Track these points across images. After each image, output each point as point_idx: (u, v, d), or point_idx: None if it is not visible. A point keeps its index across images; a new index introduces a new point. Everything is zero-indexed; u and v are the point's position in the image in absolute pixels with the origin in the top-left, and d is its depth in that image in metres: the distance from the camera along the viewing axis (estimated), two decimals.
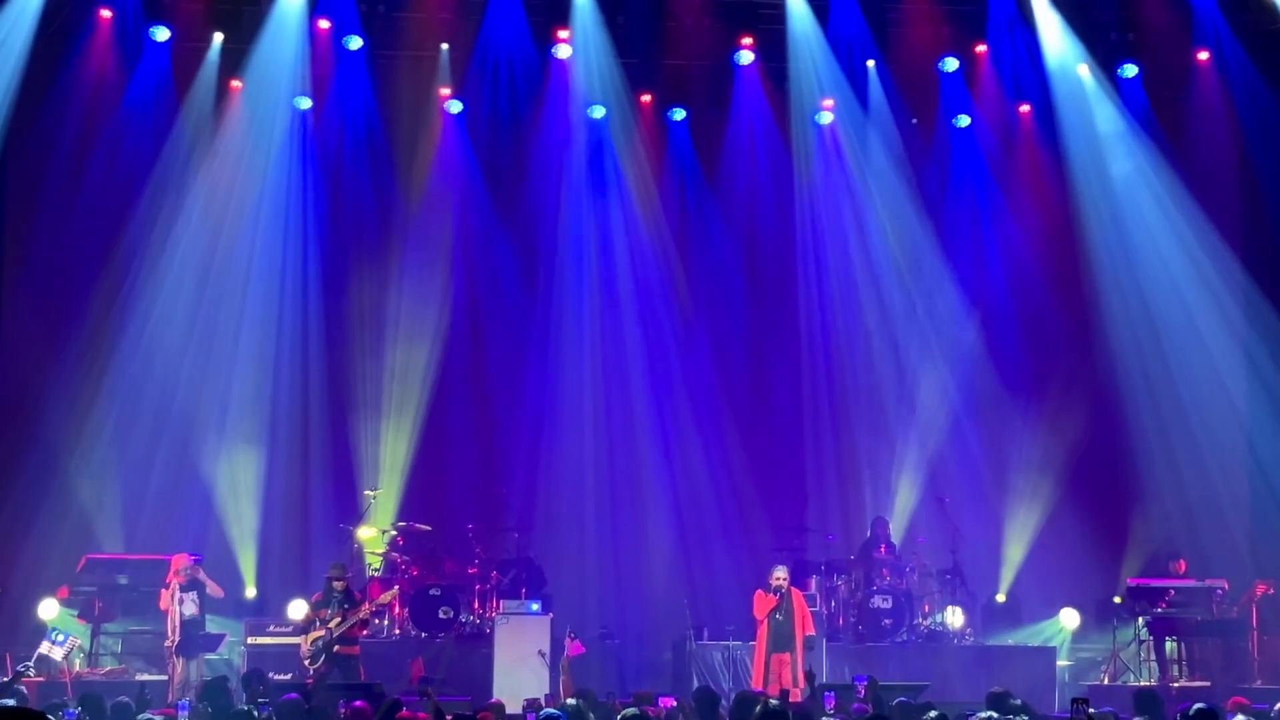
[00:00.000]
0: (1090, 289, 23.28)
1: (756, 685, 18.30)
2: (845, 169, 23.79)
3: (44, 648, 18.71)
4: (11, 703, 14.36)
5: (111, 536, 21.56)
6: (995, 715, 12.29)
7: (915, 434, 23.32)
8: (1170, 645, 20.91)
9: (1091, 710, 11.75)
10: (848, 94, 23.27)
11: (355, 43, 22.35)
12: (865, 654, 20.55)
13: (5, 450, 21.68)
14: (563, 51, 22.70)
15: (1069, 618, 21.70)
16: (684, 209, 24.06)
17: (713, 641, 20.90)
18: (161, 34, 21.83)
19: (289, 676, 18.10)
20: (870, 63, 23.14)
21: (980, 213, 23.77)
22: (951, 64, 22.96)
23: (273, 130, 22.80)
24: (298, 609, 19.81)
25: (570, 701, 14.16)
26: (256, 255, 22.82)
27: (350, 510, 21.95)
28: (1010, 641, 21.69)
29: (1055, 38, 22.70)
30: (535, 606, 20.43)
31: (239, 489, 22.23)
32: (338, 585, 18.45)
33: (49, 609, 20.25)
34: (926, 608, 21.63)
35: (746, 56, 22.95)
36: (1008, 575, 22.74)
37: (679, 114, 23.64)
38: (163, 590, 18.80)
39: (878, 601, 21.16)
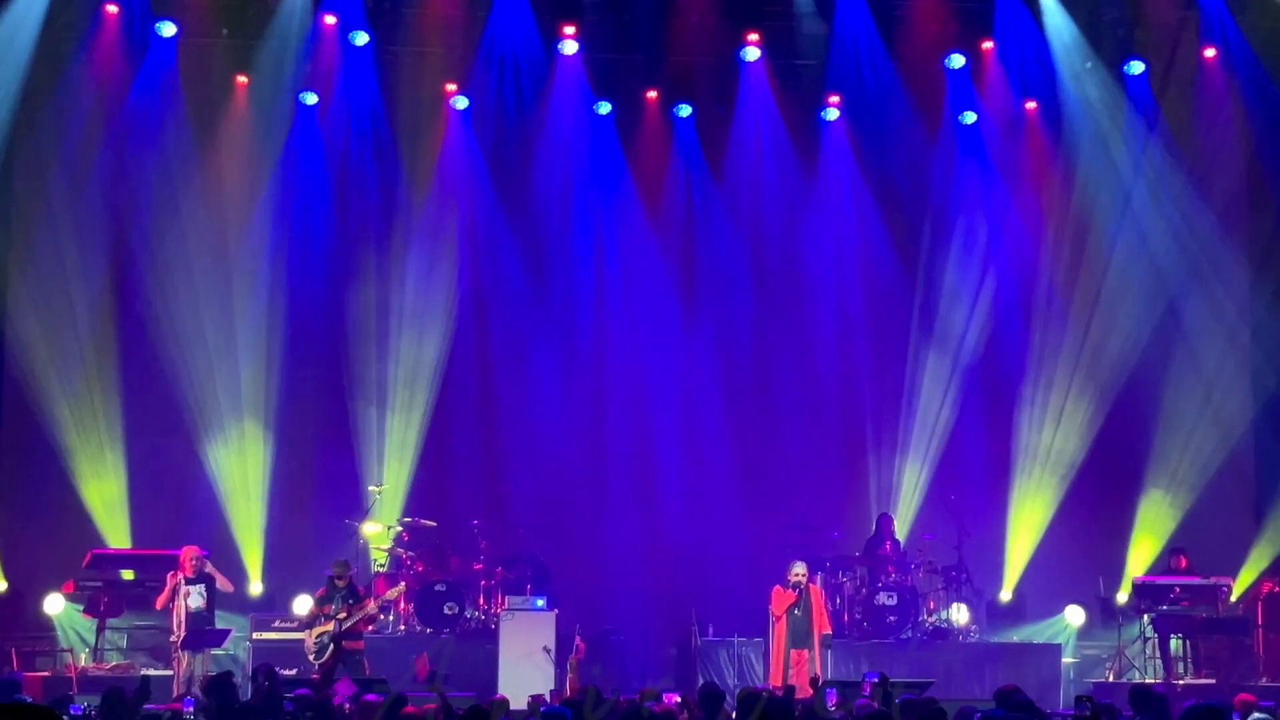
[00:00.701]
0: (1096, 285, 23.26)
1: (775, 682, 18.27)
2: (851, 166, 23.77)
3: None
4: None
5: (117, 532, 21.56)
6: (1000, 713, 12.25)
7: (921, 430, 23.32)
8: (1175, 642, 20.92)
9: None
10: (854, 91, 23.24)
11: (361, 38, 22.33)
12: (870, 651, 20.56)
13: (11, 445, 21.70)
14: (568, 47, 22.68)
15: (1074, 615, 21.70)
16: (689, 205, 24.04)
17: (718, 638, 20.90)
18: (168, 29, 21.81)
19: (295, 672, 18.09)
20: (876, 59, 23.08)
21: (986, 209, 23.74)
22: (958, 61, 22.92)
23: (278, 126, 22.80)
24: (303, 604, 19.82)
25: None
26: (262, 250, 22.82)
27: (356, 506, 21.94)
28: (1015, 638, 21.69)
29: (1062, 35, 22.67)
30: (540, 603, 20.44)
31: (244, 484, 22.23)
32: (340, 583, 18.46)
33: (54, 604, 20.28)
34: (931, 604, 21.64)
35: (752, 53, 22.92)
36: (1013, 572, 22.72)
37: (684, 110, 23.61)
38: (164, 590, 18.75)
39: (883, 598, 21.18)
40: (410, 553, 21.35)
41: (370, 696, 13.45)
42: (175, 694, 17.10)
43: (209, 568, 18.94)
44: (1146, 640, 20.90)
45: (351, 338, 23.10)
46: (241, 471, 22.30)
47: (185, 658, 18.38)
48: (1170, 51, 22.78)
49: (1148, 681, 19.40)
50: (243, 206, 22.72)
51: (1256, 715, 12.97)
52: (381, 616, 20.03)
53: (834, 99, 23.47)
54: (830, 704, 14.68)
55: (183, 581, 18.56)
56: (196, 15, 21.99)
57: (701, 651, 20.61)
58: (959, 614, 21.54)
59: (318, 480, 22.57)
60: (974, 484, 23.03)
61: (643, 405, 23.46)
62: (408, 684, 18.10)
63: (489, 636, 20.29)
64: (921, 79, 23.14)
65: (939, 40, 22.78)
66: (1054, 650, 21.02)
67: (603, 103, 23.29)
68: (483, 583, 21.33)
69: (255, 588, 21.90)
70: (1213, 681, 19.71)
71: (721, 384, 23.67)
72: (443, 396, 23.24)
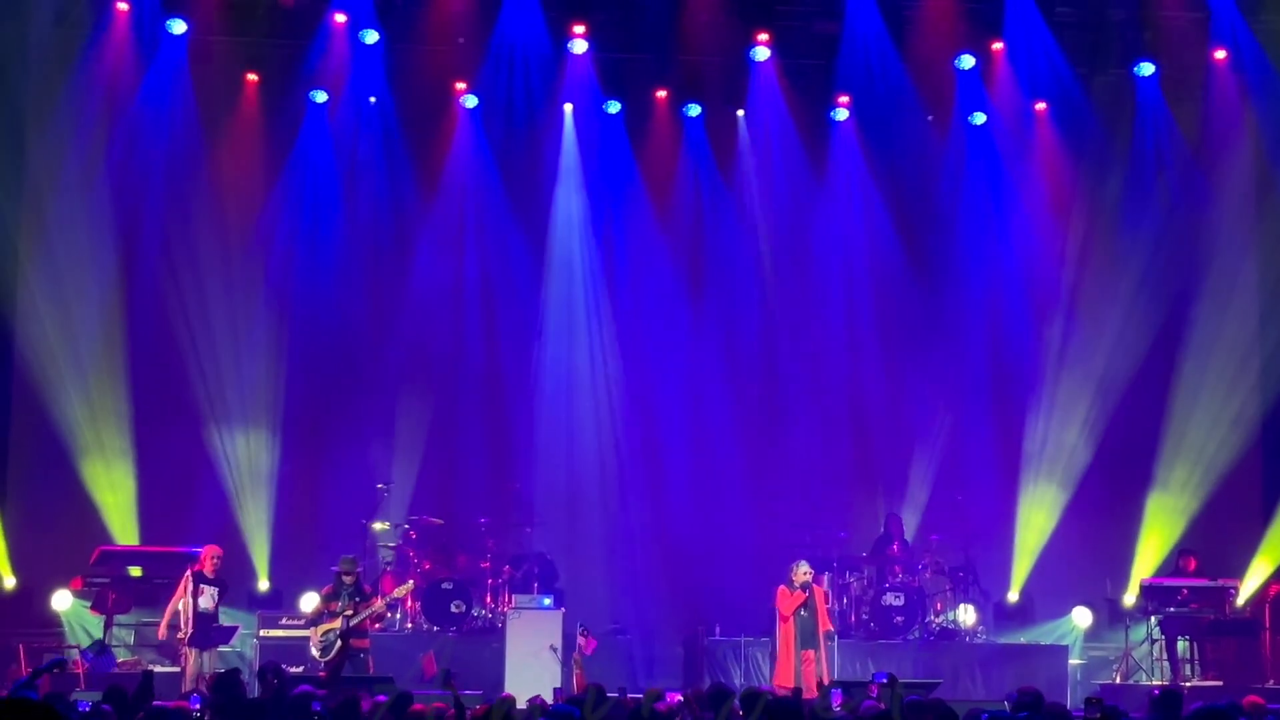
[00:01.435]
0: (1105, 286, 23.24)
1: (784, 682, 18.26)
2: (860, 166, 23.76)
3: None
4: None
5: (125, 528, 21.58)
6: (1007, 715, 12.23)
7: (929, 431, 23.30)
8: (1182, 645, 20.90)
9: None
10: (863, 91, 23.22)
11: (371, 36, 22.34)
12: (877, 651, 20.57)
13: (20, 441, 21.72)
14: (578, 46, 22.68)
15: (1081, 616, 21.69)
16: (698, 205, 24.04)
17: (725, 638, 20.91)
18: (178, 27, 21.82)
19: (301, 669, 18.11)
20: (886, 59, 23.07)
21: (995, 210, 23.72)
22: (968, 61, 22.90)
23: (288, 124, 22.82)
24: (309, 601, 19.83)
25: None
26: (271, 248, 22.86)
27: (364, 503, 21.96)
28: (1022, 640, 21.70)
29: (1072, 36, 22.64)
30: (547, 601, 20.45)
31: (253, 481, 22.25)
32: (347, 580, 18.47)
33: (62, 600, 20.30)
34: (939, 605, 21.64)
35: (762, 53, 22.91)
36: (1020, 573, 22.71)
37: (694, 110, 23.61)
38: (177, 590, 18.75)
39: (890, 599, 21.19)
40: (417, 551, 21.37)
41: (383, 699, 13.44)
42: (183, 691, 17.11)
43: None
44: (1154, 642, 20.87)
45: (359, 335, 23.13)
46: (250, 468, 22.33)
47: (192, 655, 18.38)
48: (1180, 53, 22.73)
49: (1163, 684, 19.35)
50: (252, 203, 22.75)
51: None
52: (389, 614, 20.04)
53: (843, 99, 23.46)
54: (835, 704, 14.66)
55: (194, 578, 18.54)
56: (206, 13, 21.98)
57: (709, 651, 20.62)
58: (966, 615, 21.55)
59: (325, 477, 22.59)
60: (982, 485, 23.00)
61: (651, 404, 23.46)
62: (414, 682, 18.16)
63: (496, 635, 20.31)
64: (931, 79, 23.12)
65: (949, 41, 22.75)
66: (1061, 652, 21.02)
67: (612, 102, 23.29)
68: (490, 581, 21.35)
69: (262, 585, 21.92)
70: (1220, 684, 19.68)
71: (730, 383, 23.67)
72: (450, 394, 23.26)
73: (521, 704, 15.12)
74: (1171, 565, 21.84)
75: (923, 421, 23.46)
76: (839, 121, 23.73)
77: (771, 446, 23.54)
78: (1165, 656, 20.74)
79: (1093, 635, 21.83)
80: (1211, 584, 20.85)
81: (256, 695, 14.29)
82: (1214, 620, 20.66)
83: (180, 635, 18.56)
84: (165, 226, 22.24)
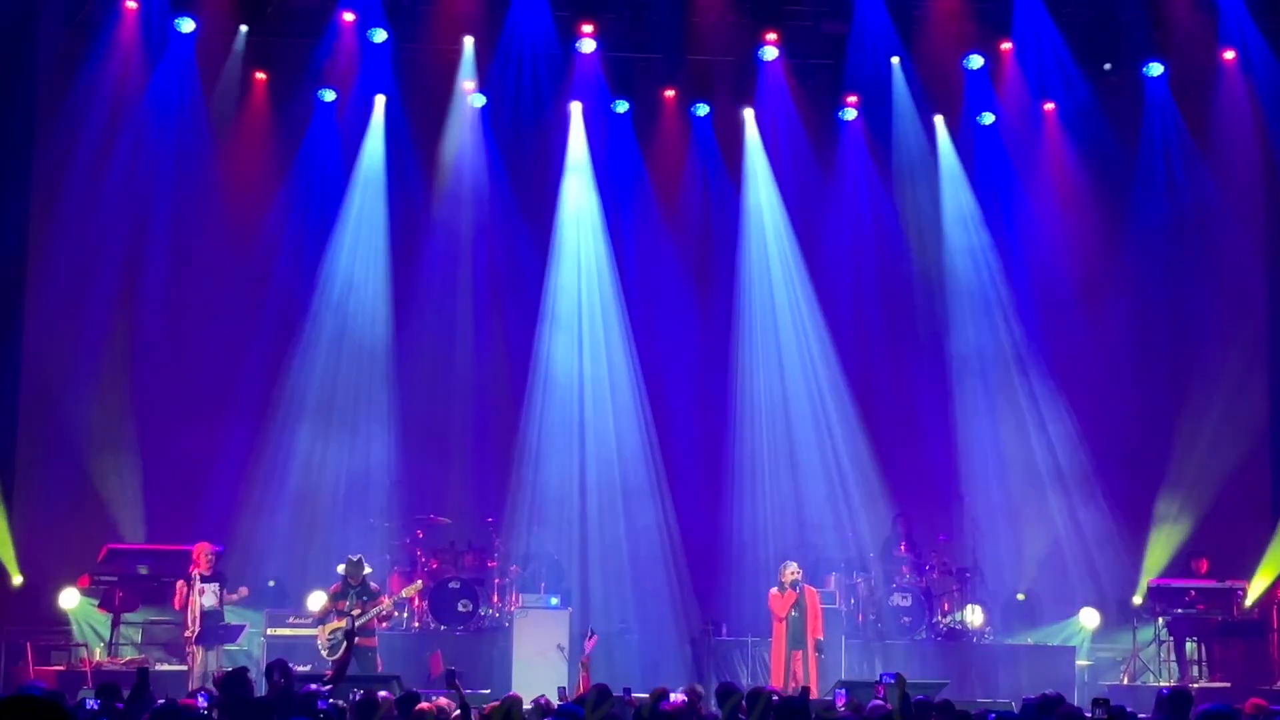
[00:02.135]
0: (1113, 286, 23.23)
1: (777, 684, 18.28)
2: (869, 166, 23.75)
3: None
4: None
5: (132, 526, 21.61)
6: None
7: (937, 431, 23.27)
8: (1190, 646, 20.88)
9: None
10: (872, 91, 23.22)
11: (380, 35, 22.35)
12: (884, 651, 20.56)
13: (28, 439, 21.74)
14: (586, 46, 22.67)
15: (1089, 617, 21.66)
16: (706, 204, 24.03)
17: (731, 638, 20.90)
18: (186, 25, 21.80)
19: (309, 668, 18.12)
20: (895, 59, 23.07)
21: (1004, 210, 23.70)
22: (976, 61, 22.87)
23: (296, 122, 22.84)
24: (316, 600, 19.84)
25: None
26: (279, 246, 22.88)
27: (372, 502, 21.98)
28: (1030, 640, 21.66)
29: (1080, 36, 22.61)
30: (554, 601, 20.47)
31: (261, 479, 22.25)
32: (354, 579, 18.49)
33: (70, 598, 20.32)
34: (946, 606, 21.61)
35: (770, 52, 22.89)
36: (1028, 574, 22.69)
37: (702, 109, 23.60)
38: (179, 584, 18.81)
39: (897, 599, 21.18)
40: (424, 550, 21.37)
41: (384, 695, 13.43)
42: (190, 689, 17.13)
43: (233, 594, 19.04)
44: (1161, 643, 20.85)
45: (367, 333, 23.11)
46: (258, 466, 22.32)
47: (199, 653, 18.42)
48: (1189, 54, 22.69)
49: (1171, 684, 19.32)
50: (259, 202, 22.76)
51: None
52: (395, 613, 20.05)
53: (852, 99, 23.45)
54: (838, 705, 14.66)
55: (197, 578, 18.60)
56: (215, 11, 21.99)
57: (716, 651, 20.61)
58: (973, 615, 21.52)
59: (334, 476, 22.58)
60: (990, 485, 22.97)
61: (658, 404, 23.43)
62: (422, 681, 18.16)
63: (503, 634, 20.31)
64: (940, 79, 23.11)
65: (958, 41, 22.74)
66: (1068, 653, 20.99)
67: (620, 101, 23.29)
68: (497, 580, 21.36)
69: (269, 583, 21.91)
70: (1228, 685, 19.66)
71: (737, 382, 23.64)
72: (458, 393, 23.26)
73: (528, 704, 15.15)
74: (1181, 567, 21.81)
75: (930, 421, 23.42)
76: (847, 121, 23.70)
77: (779, 445, 23.50)
78: (1173, 658, 20.71)
79: (1100, 636, 21.80)
80: (1219, 585, 20.86)
81: (264, 693, 14.27)
82: (1222, 621, 20.65)
83: (187, 634, 18.60)
84: (173, 224, 22.24)
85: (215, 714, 13.37)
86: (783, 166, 23.77)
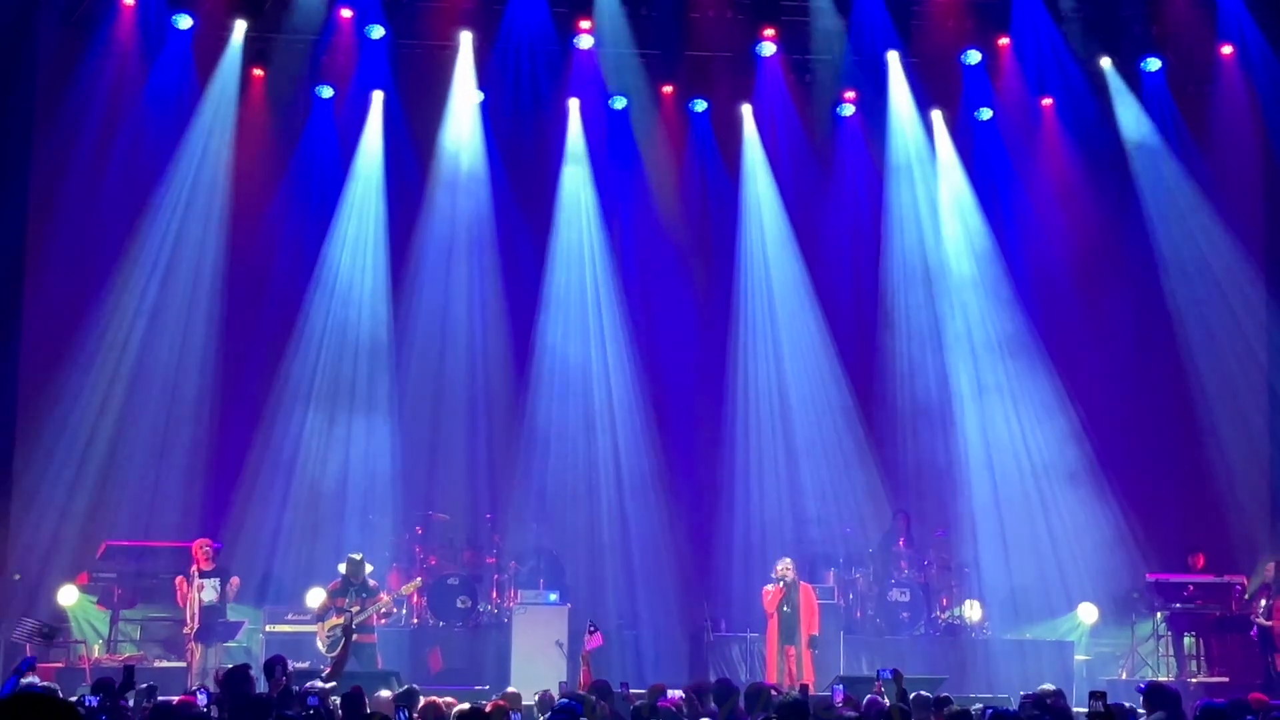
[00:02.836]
0: (1112, 282, 23.23)
1: (770, 679, 18.33)
2: (867, 162, 23.76)
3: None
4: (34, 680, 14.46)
5: (131, 523, 21.59)
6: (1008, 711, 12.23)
7: (937, 426, 23.26)
8: (1189, 641, 20.88)
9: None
10: (870, 86, 23.22)
11: (377, 32, 22.35)
12: (883, 647, 20.56)
13: (27, 434, 21.73)
14: (584, 42, 22.67)
15: (1087, 612, 21.66)
16: (704, 200, 24.04)
17: (730, 634, 20.92)
18: (184, 22, 21.80)
19: (307, 664, 18.13)
20: (892, 55, 23.07)
21: (1002, 205, 23.71)
22: (974, 56, 22.87)
23: (294, 119, 22.84)
24: (315, 597, 19.84)
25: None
26: (277, 242, 22.88)
27: (370, 498, 21.98)
28: (1028, 635, 21.66)
29: (1078, 31, 22.61)
30: (553, 597, 20.50)
31: (260, 475, 22.24)
32: (354, 576, 18.50)
33: (68, 595, 20.32)
34: (945, 601, 21.63)
35: (768, 48, 22.89)
36: (1026, 569, 22.67)
37: (700, 105, 23.60)
38: (179, 580, 18.82)
39: (895, 594, 21.20)
40: (424, 546, 21.38)
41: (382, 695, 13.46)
42: (190, 686, 17.15)
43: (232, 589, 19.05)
44: (1160, 638, 20.86)
45: (365, 329, 23.10)
46: (256, 462, 22.32)
47: (198, 650, 18.43)
48: (1187, 49, 22.70)
49: (1160, 679, 19.33)
50: (258, 199, 22.75)
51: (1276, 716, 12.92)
52: (395, 610, 20.06)
53: (850, 94, 23.45)
54: (837, 701, 14.69)
55: (196, 574, 18.62)
56: (212, 7, 21.98)
57: (714, 647, 20.63)
58: (972, 611, 21.54)
59: (333, 472, 22.58)
60: (988, 480, 22.96)
61: (657, 399, 23.45)
62: (421, 678, 18.18)
63: (502, 630, 20.32)
64: (938, 75, 23.11)
65: (955, 36, 22.74)
66: (1067, 648, 21.00)
67: (618, 97, 23.28)
68: (496, 576, 21.37)
69: (269, 580, 21.91)
70: (1226, 680, 19.67)
71: (736, 378, 23.66)
72: (457, 389, 23.25)
73: (528, 699, 15.18)
74: (1178, 562, 21.81)
75: (929, 415, 23.41)
76: (845, 116, 23.70)
77: (778, 441, 23.52)
78: (1171, 653, 20.73)
79: (1098, 631, 21.80)
80: (1218, 580, 20.85)
81: (264, 690, 14.29)
82: (1220, 616, 20.64)
83: (186, 630, 18.62)
84: (170, 221, 22.21)
85: (214, 711, 13.40)
86: (781, 162, 23.77)
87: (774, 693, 14.44)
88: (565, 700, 13.10)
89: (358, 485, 22.34)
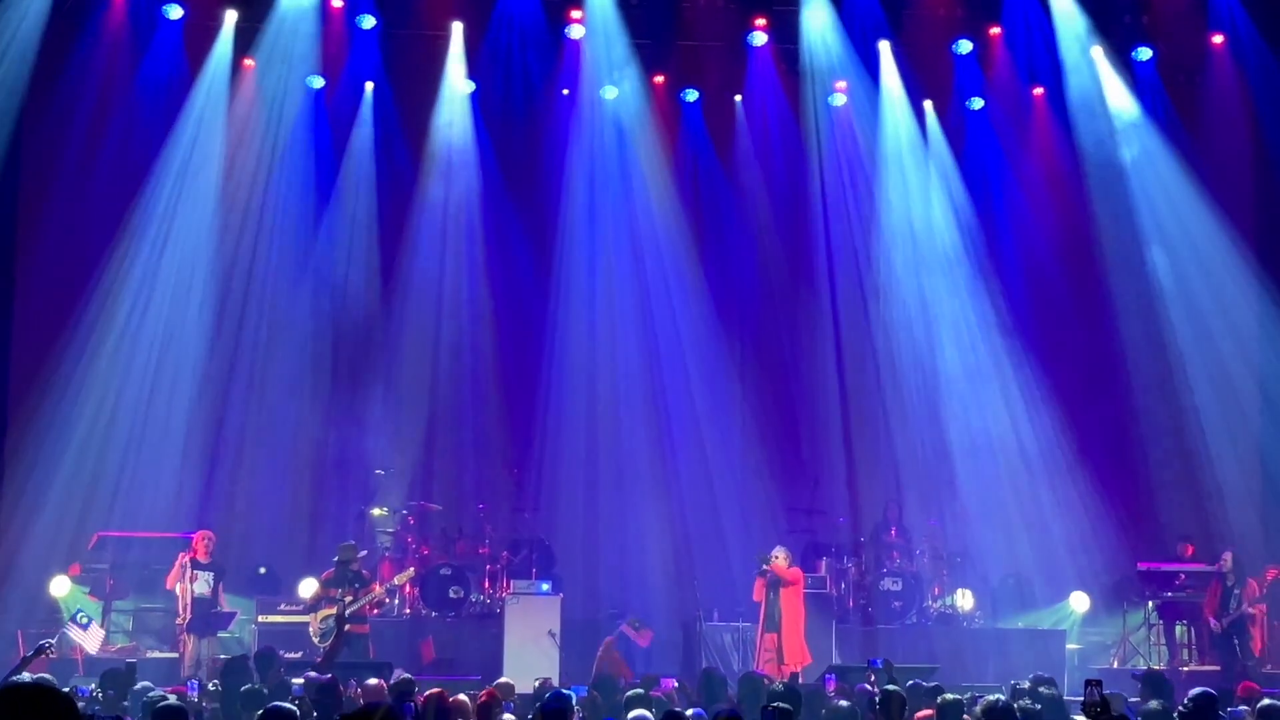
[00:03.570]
0: (1103, 272, 23.25)
1: (757, 667, 18.37)
2: (858, 151, 23.75)
3: (71, 631, 18.77)
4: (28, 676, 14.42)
5: (124, 513, 21.57)
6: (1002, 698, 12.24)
7: (929, 417, 23.28)
8: (1180, 629, 20.92)
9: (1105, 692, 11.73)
10: (861, 76, 23.22)
11: (368, 21, 22.32)
12: (875, 636, 20.58)
13: (19, 426, 21.70)
14: (576, 32, 22.65)
15: (1079, 601, 21.69)
16: (696, 190, 24.04)
17: (723, 623, 20.94)
18: (175, 12, 21.78)
19: (300, 655, 18.13)
20: (883, 44, 23.07)
21: (993, 195, 23.72)
22: (965, 46, 22.88)
23: (285, 109, 22.81)
24: (308, 587, 19.85)
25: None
26: (268, 233, 22.84)
27: (363, 489, 21.99)
28: (1020, 624, 21.69)
29: (1069, 21, 22.62)
30: (545, 586, 20.49)
31: (252, 466, 22.24)
32: (348, 567, 18.50)
33: (61, 586, 20.29)
34: (937, 590, 21.66)
35: (760, 38, 22.88)
36: (1018, 558, 22.69)
37: (692, 95, 23.60)
38: (179, 558, 18.81)
39: (887, 584, 21.22)
40: (416, 536, 21.39)
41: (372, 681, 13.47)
42: (182, 676, 17.15)
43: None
44: (1151, 627, 20.89)
45: (357, 321, 23.10)
46: (249, 453, 22.32)
47: (191, 641, 18.43)
48: (1178, 38, 22.71)
49: (1156, 668, 19.37)
50: (249, 189, 22.72)
51: (1266, 702, 12.93)
52: (388, 600, 20.06)
53: (841, 84, 23.44)
54: (828, 689, 14.72)
55: (189, 564, 18.62)
56: None
57: (706, 636, 20.64)
58: (964, 600, 21.57)
59: (324, 463, 22.59)
60: (980, 469, 22.99)
61: (649, 389, 23.45)
62: (414, 668, 18.17)
63: (494, 620, 20.33)
64: (929, 64, 23.11)
65: (947, 25, 22.74)
66: (1058, 636, 21.02)
67: (609, 87, 23.27)
68: (488, 567, 21.37)
69: (261, 570, 21.90)
70: (1217, 668, 19.71)
71: (729, 368, 23.67)
72: (449, 379, 23.26)
73: (524, 688, 15.20)
74: (1169, 551, 21.85)
75: (921, 405, 23.43)
76: (836, 106, 23.69)
77: (769, 431, 23.55)
78: (1163, 641, 20.76)
79: (1090, 620, 21.83)
80: (1208, 569, 20.87)
81: (257, 681, 14.31)
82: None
83: (179, 620, 18.61)
84: (162, 212, 22.18)
85: (205, 703, 13.42)
86: (772, 151, 23.77)
87: (766, 681, 14.48)
88: (555, 693, 13.08)
89: (350, 476, 22.32)
